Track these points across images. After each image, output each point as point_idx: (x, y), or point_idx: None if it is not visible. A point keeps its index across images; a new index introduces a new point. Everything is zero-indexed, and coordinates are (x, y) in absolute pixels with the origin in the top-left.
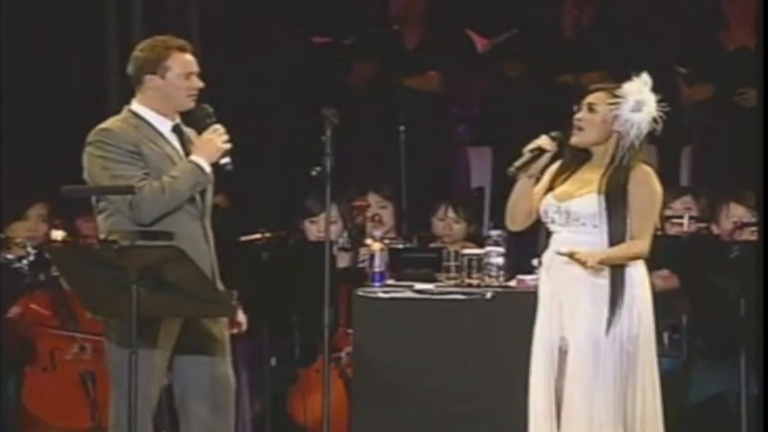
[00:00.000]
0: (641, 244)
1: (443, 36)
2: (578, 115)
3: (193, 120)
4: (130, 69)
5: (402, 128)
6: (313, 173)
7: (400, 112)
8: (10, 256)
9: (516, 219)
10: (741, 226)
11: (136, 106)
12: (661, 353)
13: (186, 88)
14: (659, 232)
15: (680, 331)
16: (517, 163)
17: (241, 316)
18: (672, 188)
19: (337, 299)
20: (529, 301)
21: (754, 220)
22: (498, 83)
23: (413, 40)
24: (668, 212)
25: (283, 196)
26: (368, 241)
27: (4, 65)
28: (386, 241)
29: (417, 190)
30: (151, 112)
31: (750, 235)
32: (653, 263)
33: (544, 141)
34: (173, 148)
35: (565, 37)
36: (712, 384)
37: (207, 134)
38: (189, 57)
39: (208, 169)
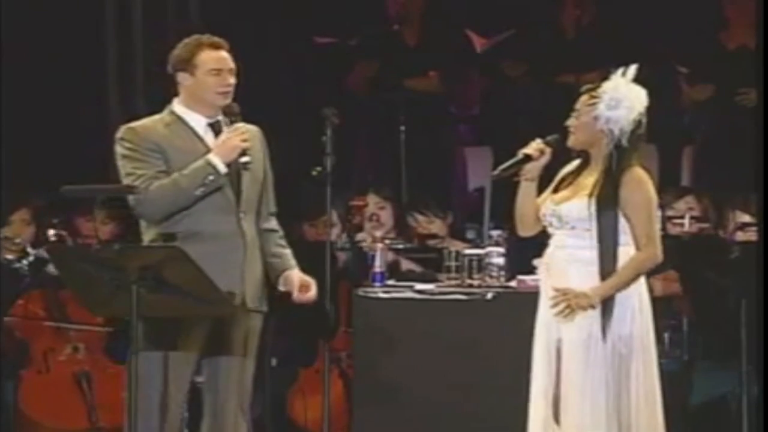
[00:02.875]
0: (650, 251)
1: (443, 36)
2: (568, 122)
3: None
4: (168, 68)
5: (402, 128)
6: (314, 173)
7: (400, 112)
8: (10, 257)
9: (524, 224)
10: (742, 226)
11: (175, 104)
12: (662, 354)
13: (215, 85)
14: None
15: (681, 332)
16: (502, 167)
17: (308, 278)
18: (674, 188)
19: (337, 299)
20: (529, 301)
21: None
22: (498, 83)
23: (413, 40)
24: (670, 212)
25: (283, 196)
26: (368, 241)
27: (4, 65)
28: (387, 242)
29: (417, 190)
30: (187, 110)
31: (750, 235)
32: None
33: (533, 147)
34: (206, 146)
35: (565, 37)
36: (713, 385)
37: (225, 133)
38: (220, 54)
39: (222, 168)
